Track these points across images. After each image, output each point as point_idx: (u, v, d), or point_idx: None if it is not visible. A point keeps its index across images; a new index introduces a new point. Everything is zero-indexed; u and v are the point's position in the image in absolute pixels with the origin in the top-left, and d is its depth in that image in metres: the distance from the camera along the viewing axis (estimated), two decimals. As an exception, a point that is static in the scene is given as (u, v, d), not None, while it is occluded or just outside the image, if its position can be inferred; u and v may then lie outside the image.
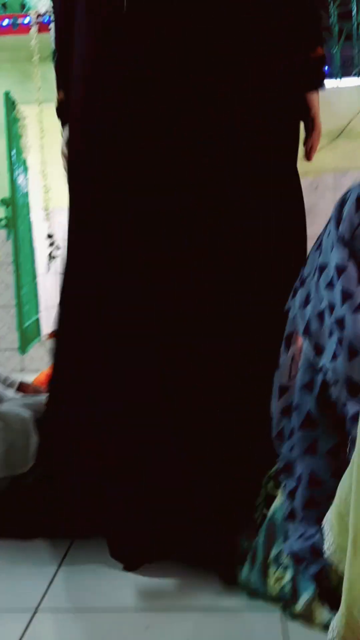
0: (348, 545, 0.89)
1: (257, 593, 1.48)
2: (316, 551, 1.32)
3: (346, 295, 1.35)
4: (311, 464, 1.40)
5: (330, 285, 1.39)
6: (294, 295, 1.52)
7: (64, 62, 2.00)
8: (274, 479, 1.57)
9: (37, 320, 4.99)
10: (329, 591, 1.32)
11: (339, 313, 1.34)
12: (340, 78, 5.84)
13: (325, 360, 1.37)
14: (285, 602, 1.39)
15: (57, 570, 1.70)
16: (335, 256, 1.39)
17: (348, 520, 0.91)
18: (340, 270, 1.37)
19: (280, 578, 1.41)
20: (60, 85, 2.10)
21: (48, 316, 5.40)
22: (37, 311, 5.01)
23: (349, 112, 5.28)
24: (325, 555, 0.97)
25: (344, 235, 1.39)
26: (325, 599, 1.33)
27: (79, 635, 1.43)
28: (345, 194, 1.44)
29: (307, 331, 1.42)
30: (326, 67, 2.02)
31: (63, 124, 2.18)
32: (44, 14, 4.25)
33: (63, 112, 2.15)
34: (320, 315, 1.39)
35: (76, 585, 1.64)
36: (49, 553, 1.81)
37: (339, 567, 0.94)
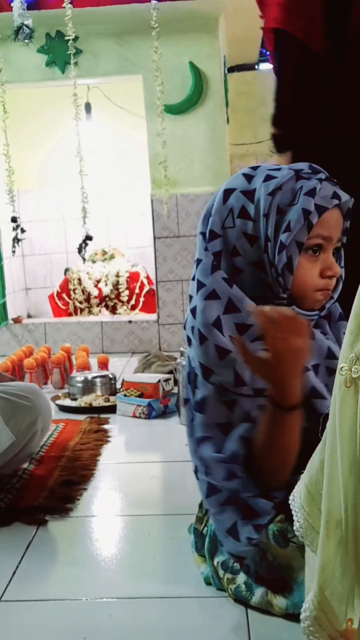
0: (320, 527, 0.89)
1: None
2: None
3: (199, 285, 1.44)
4: (201, 454, 1.45)
5: (193, 278, 1.47)
6: None
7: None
8: None
9: (4, 304, 4.94)
10: (277, 581, 1.34)
11: (194, 303, 1.44)
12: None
13: (187, 347, 1.47)
14: (242, 598, 1.41)
15: (21, 559, 1.70)
16: (197, 251, 1.48)
17: (318, 501, 0.91)
18: (197, 262, 1.46)
19: (231, 579, 1.43)
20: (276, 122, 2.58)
21: (14, 301, 5.36)
22: (3, 295, 4.96)
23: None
24: (297, 534, 0.98)
25: (212, 229, 1.46)
26: (278, 590, 1.35)
27: (43, 625, 1.42)
28: (215, 194, 1.50)
29: (185, 326, 1.50)
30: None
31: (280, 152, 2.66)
32: (5, -7, 4.17)
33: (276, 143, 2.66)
34: (192, 311, 1.47)
35: (40, 575, 1.64)
36: (14, 541, 1.80)
37: (311, 547, 0.95)
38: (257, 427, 1.38)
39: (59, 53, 4.45)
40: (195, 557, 1.61)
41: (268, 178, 1.43)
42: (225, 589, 1.45)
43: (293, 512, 0.99)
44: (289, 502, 1.01)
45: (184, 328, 1.51)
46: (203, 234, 1.48)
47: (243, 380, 1.40)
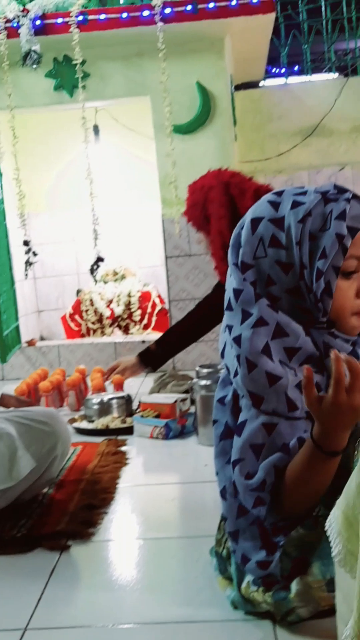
0: (359, 553, 0.88)
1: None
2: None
3: (245, 314, 1.43)
4: (231, 475, 1.46)
5: (229, 308, 1.47)
6: None
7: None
8: None
9: (17, 327, 4.95)
10: (302, 566, 1.36)
11: (237, 332, 1.43)
12: (311, 74, 5.86)
13: (232, 376, 1.46)
14: (281, 598, 1.40)
15: (45, 586, 1.69)
16: (233, 281, 1.47)
17: (356, 526, 0.90)
18: (235, 292, 1.45)
19: (266, 589, 1.42)
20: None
21: (27, 323, 5.38)
22: (16, 318, 4.97)
23: (321, 109, 5.29)
24: (335, 560, 0.97)
25: (243, 260, 1.45)
26: (305, 571, 1.36)
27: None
28: (241, 222, 1.50)
29: (222, 354, 1.50)
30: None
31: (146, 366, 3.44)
32: (13, 19, 4.21)
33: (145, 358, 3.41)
34: (235, 340, 1.46)
35: (65, 601, 1.63)
36: (37, 567, 1.80)
37: (351, 573, 0.94)
38: (292, 459, 1.37)
39: (67, 77, 4.48)
40: (220, 580, 1.60)
41: (295, 204, 1.42)
42: (261, 602, 1.43)
43: (331, 539, 0.98)
44: (326, 528, 1.00)
45: (222, 357, 1.50)
46: (236, 264, 1.47)
47: (295, 404, 1.39)
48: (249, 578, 1.46)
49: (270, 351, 1.39)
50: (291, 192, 1.45)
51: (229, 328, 1.45)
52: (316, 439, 1.32)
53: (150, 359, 3.45)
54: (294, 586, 1.36)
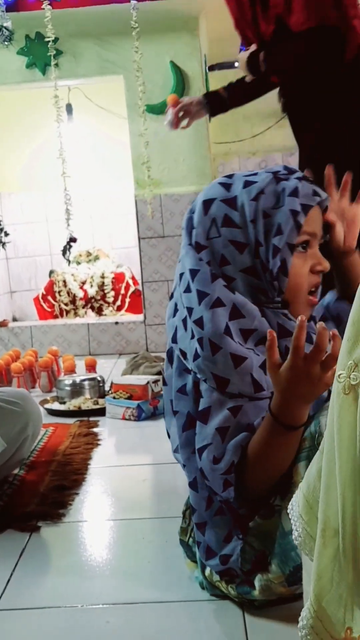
0: (317, 536, 0.88)
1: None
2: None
3: (201, 295, 1.41)
4: (198, 466, 1.42)
5: (187, 290, 1.44)
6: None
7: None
8: None
9: (-12, 308, 4.92)
10: (261, 560, 1.36)
11: (197, 314, 1.40)
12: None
13: (190, 361, 1.43)
14: (244, 592, 1.40)
15: (15, 567, 1.69)
16: (188, 261, 1.46)
17: (316, 509, 0.90)
18: (192, 273, 1.43)
19: (229, 580, 1.43)
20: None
21: (0, 303, 5.34)
22: (-12, 299, 4.94)
23: (296, 90, 5.26)
24: (295, 543, 0.97)
25: (197, 241, 1.45)
26: (265, 567, 1.35)
27: (40, 634, 1.41)
28: (192, 205, 1.50)
29: (174, 339, 1.47)
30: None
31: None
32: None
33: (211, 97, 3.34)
34: (184, 321, 1.44)
35: (35, 582, 1.63)
36: (7, 548, 1.79)
37: (310, 555, 0.94)
38: (254, 435, 1.35)
39: (39, 55, 4.43)
40: (188, 563, 1.61)
41: (248, 184, 1.44)
42: (224, 592, 1.44)
43: (292, 522, 0.98)
44: (288, 510, 1.01)
45: (173, 342, 1.47)
46: (190, 244, 1.47)
47: (261, 385, 1.37)
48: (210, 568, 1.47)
49: (231, 332, 1.38)
50: (241, 174, 1.48)
51: (189, 310, 1.42)
52: (273, 411, 1.29)
53: (216, 100, 3.37)
54: (257, 583, 1.36)
